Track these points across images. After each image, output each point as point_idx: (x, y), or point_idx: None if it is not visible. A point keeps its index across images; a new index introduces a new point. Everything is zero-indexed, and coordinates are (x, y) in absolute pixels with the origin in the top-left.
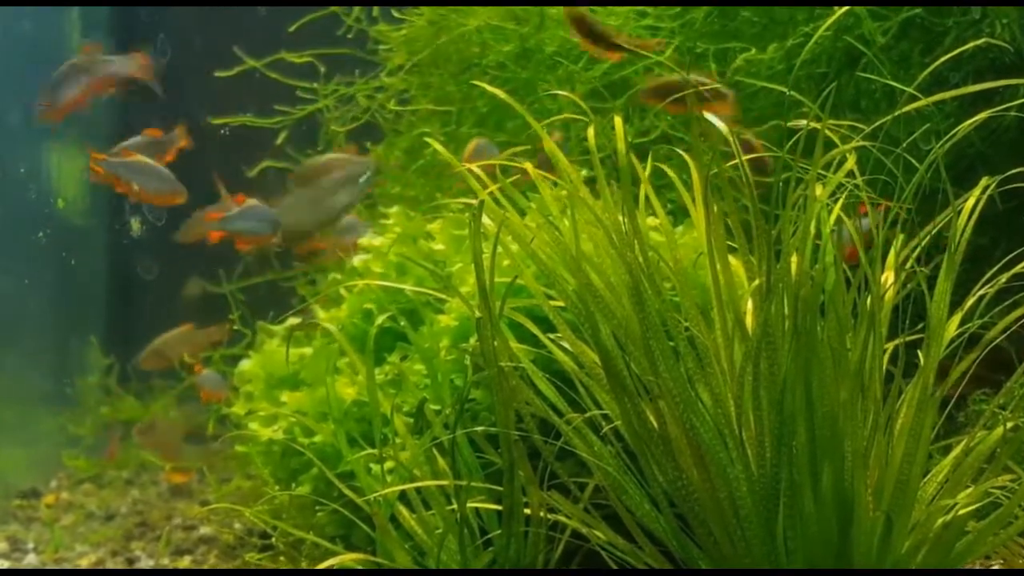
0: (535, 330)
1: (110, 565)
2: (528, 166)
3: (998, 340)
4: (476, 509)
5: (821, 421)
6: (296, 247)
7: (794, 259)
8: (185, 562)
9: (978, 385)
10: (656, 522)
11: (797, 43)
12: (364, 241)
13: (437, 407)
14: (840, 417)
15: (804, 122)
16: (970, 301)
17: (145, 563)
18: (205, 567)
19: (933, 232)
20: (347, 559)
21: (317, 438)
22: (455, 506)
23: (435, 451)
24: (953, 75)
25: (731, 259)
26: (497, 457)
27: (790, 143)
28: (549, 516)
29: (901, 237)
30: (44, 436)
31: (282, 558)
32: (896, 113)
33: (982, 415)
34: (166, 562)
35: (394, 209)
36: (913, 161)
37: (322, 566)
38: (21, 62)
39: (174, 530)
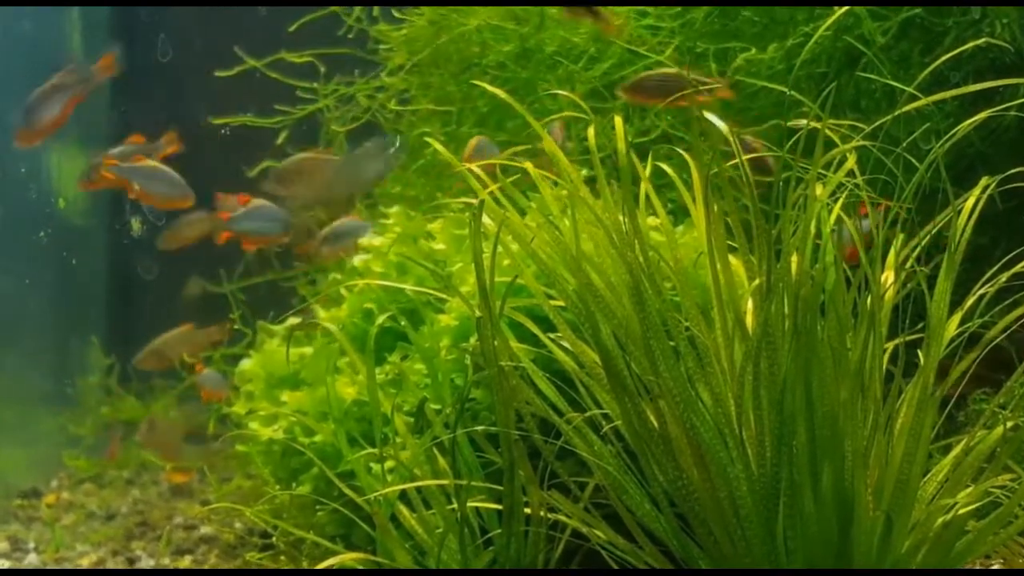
0: (535, 330)
1: (111, 565)
2: (528, 166)
3: (998, 339)
4: (476, 508)
5: (821, 421)
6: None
7: (794, 259)
8: (186, 562)
9: (978, 384)
10: (656, 522)
11: (797, 43)
12: (364, 241)
13: (437, 406)
14: (840, 417)
15: (804, 122)
16: (970, 301)
17: (146, 563)
18: (206, 567)
19: (933, 232)
20: (347, 558)
21: (317, 437)
22: (455, 505)
23: (435, 450)
24: (953, 75)
25: (731, 259)
26: (497, 456)
27: (790, 143)
28: (549, 515)
29: (901, 237)
30: (45, 436)
31: (283, 557)
32: (896, 113)
33: (982, 414)
34: (167, 562)
35: (394, 209)
36: (913, 161)
37: (322, 565)
38: (21, 62)
39: (175, 530)
